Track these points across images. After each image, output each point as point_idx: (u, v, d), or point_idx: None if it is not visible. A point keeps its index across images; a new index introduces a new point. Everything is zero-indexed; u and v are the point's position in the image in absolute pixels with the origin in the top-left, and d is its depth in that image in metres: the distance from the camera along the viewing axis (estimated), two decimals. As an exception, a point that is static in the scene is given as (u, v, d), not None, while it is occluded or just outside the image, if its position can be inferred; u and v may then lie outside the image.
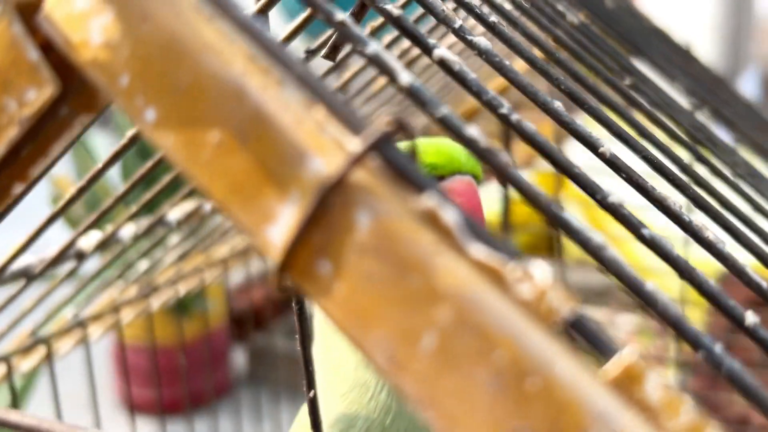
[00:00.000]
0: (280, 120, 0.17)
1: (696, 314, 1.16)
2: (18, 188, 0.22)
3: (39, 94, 0.19)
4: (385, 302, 0.16)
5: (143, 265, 0.61)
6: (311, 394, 0.31)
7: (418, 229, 0.16)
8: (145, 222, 0.50)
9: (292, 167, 0.17)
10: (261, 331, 1.68)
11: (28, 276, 0.44)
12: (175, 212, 0.50)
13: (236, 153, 0.18)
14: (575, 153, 0.41)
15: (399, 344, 0.16)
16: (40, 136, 0.20)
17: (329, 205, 0.17)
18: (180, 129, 0.18)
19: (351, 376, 0.40)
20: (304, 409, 0.44)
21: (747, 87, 2.73)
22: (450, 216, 0.16)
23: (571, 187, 1.50)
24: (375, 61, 0.21)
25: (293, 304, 0.30)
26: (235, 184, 0.18)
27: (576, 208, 1.50)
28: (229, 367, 1.63)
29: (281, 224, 0.17)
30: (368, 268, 0.17)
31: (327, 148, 0.17)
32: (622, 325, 1.16)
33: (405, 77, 0.21)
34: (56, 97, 0.19)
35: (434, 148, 0.41)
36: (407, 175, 0.17)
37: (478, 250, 0.16)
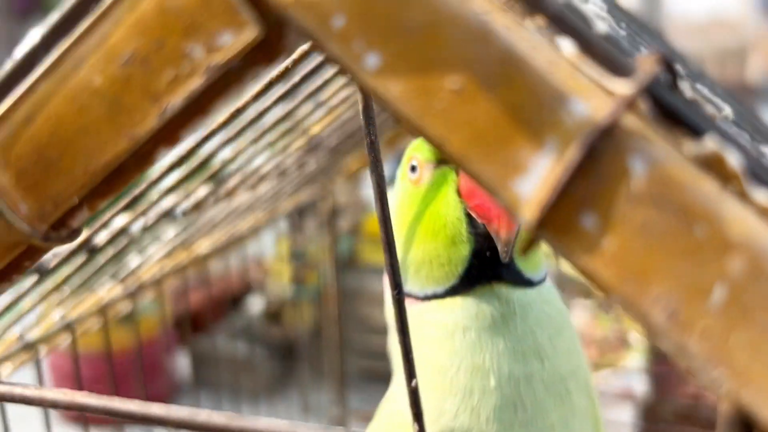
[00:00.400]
0: (533, 62, 0.16)
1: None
2: (162, 153, 0.20)
3: (236, 39, 0.17)
4: (666, 255, 0.15)
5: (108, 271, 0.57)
6: (413, 383, 0.30)
7: (700, 175, 0.15)
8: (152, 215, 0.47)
9: (549, 113, 0.16)
10: (202, 335, 1.63)
11: (41, 271, 0.40)
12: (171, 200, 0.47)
13: (480, 99, 0.16)
14: None
15: (684, 300, 0.15)
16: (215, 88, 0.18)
17: (598, 153, 0.15)
18: (410, 75, 0.16)
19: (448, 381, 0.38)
20: (384, 404, 0.43)
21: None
22: (734, 160, 0.15)
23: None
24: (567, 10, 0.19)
25: (392, 291, 0.28)
26: (477, 133, 0.16)
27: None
28: (172, 371, 1.57)
29: (534, 176, 0.16)
30: (644, 218, 0.15)
31: (588, 91, 0.16)
32: (579, 310, 1.19)
33: (601, 25, 0.20)
34: (257, 42, 0.17)
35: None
36: (682, 118, 0.16)
37: (764, 196, 0.15)
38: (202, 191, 0.47)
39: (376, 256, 1.57)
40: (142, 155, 0.19)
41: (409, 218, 0.40)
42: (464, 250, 0.37)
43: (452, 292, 0.38)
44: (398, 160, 0.44)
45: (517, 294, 0.38)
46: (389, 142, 0.81)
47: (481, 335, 0.37)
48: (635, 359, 1.11)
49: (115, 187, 0.20)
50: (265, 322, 1.65)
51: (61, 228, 0.21)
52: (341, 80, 0.43)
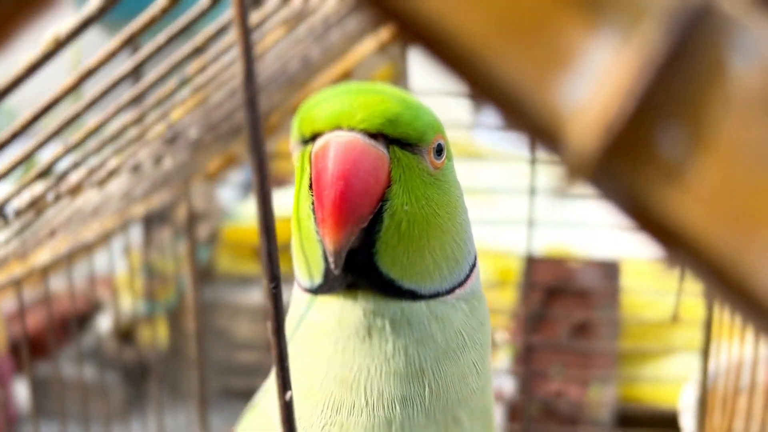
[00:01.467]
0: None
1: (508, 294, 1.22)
2: None
3: None
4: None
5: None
6: (287, 396, 0.25)
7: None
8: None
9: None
10: (43, 359, 1.49)
11: None
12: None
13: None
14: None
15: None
16: None
17: (686, 41, 0.11)
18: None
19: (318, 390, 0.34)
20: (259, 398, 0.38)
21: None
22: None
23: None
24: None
25: (269, 284, 0.24)
26: (507, 13, 0.11)
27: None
28: (7, 402, 1.42)
29: (588, 74, 0.11)
30: (756, 136, 0.11)
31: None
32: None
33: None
34: None
35: (321, 99, 0.33)
36: None
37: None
38: (39, 187, 0.40)
39: (236, 266, 1.50)
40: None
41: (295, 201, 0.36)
42: (317, 249, 0.33)
43: (321, 290, 0.34)
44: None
45: (391, 307, 0.33)
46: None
47: (348, 345, 0.33)
48: (502, 360, 1.11)
49: None
50: (115, 342, 1.53)
51: None
52: (212, 51, 0.38)
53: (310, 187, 0.32)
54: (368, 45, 0.75)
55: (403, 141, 0.33)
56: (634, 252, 1.26)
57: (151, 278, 1.48)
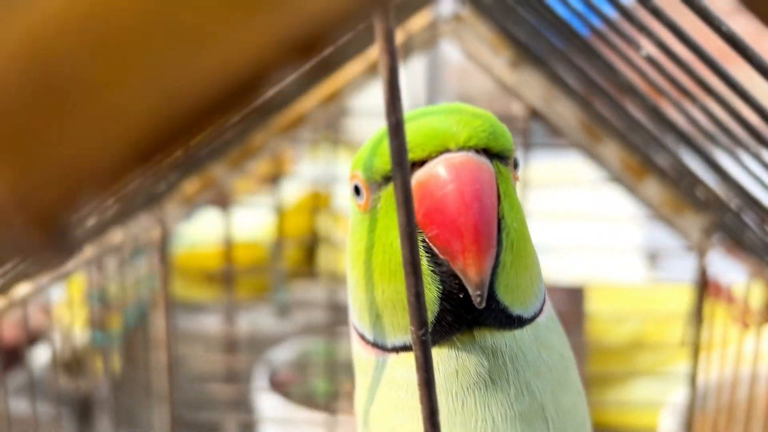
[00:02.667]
0: None
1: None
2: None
3: None
4: None
5: None
6: None
7: None
8: None
9: None
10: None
11: None
12: None
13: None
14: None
15: None
16: None
17: None
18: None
19: None
20: None
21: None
22: None
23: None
24: None
25: (416, 330, 0.21)
26: None
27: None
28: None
29: None
30: None
31: None
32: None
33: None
34: None
35: (411, 124, 0.31)
36: None
37: None
38: None
39: (188, 292, 1.44)
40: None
41: (362, 252, 0.32)
42: (430, 293, 0.30)
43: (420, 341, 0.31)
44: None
45: (507, 339, 0.30)
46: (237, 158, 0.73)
47: (468, 398, 0.29)
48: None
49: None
50: (56, 376, 1.45)
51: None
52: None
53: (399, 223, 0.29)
54: (357, 66, 0.74)
55: (500, 155, 0.31)
56: (599, 276, 1.27)
57: (99, 307, 1.41)
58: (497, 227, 0.29)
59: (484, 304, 0.28)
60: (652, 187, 0.77)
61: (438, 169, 0.29)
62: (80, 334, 1.45)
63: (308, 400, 1.16)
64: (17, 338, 1.51)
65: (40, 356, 1.51)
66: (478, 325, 0.30)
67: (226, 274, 1.09)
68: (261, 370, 1.22)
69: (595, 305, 1.21)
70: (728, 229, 0.68)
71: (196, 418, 1.19)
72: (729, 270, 0.76)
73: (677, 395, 0.92)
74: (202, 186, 0.74)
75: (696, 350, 0.75)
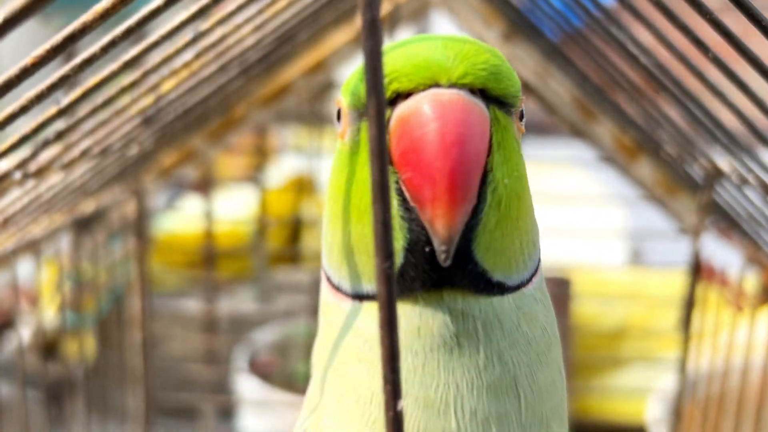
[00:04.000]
0: None
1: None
2: None
3: None
4: None
5: None
6: (398, 407, 0.20)
7: None
8: None
9: None
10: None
11: None
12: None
13: None
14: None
15: None
16: None
17: None
18: None
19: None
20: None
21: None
22: None
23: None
24: None
25: (381, 263, 0.19)
26: None
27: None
28: None
29: None
30: None
31: None
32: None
33: None
34: None
35: (402, 50, 0.27)
36: None
37: None
38: (5, 163, 0.34)
39: (169, 275, 1.41)
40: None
41: (337, 188, 0.29)
42: (396, 242, 0.26)
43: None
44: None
45: (482, 305, 0.27)
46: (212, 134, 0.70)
47: (430, 359, 0.27)
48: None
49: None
50: (34, 358, 1.42)
51: None
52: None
53: (389, 158, 0.26)
54: (343, 36, 0.71)
55: (501, 100, 0.27)
56: (585, 261, 1.25)
57: (79, 287, 1.38)
58: (482, 180, 0.26)
59: (449, 262, 0.25)
60: (645, 167, 0.75)
61: (422, 105, 0.25)
62: (53, 316, 1.42)
63: (288, 384, 1.13)
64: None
65: (21, 337, 1.47)
66: (449, 285, 0.27)
67: (207, 254, 1.06)
68: (241, 352, 1.19)
69: (581, 290, 1.19)
70: (723, 211, 0.66)
71: (174, 400, 1.16)
72: (723, 253, 0.74)
73: (666, 382, 0.90)
74: (180, 158, 0.71)
75: (687, 336, 0.73)
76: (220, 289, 1.31)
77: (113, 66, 0.29)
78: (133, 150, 0.51)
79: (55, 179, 0.42)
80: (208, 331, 1.12)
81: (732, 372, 0.71)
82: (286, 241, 1.56)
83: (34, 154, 0.33)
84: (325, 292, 0.31)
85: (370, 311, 0.28)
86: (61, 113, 0.28)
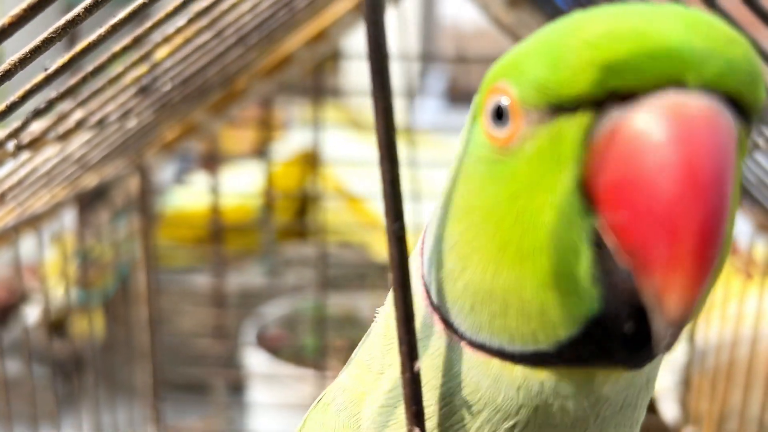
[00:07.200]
0: None
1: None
2: None
3: None
4: None
5: None
6: (416, 368, 0.19)
7: None
8: None
9: None
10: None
11: None
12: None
13: None
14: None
15: None
16: None
17: None
18: None
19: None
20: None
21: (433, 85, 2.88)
22: None
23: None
24: None
25: (391, 224, 0.18)
26: None
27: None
28: None
29: None
30: None
31: None
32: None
33: None
34: None
35: (620, 23, 0.19)
36: None
37: None
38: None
39: (176, 251, 1.41)
40: None
41: (478, 207, 0.22)
42: (579, 308, 0.20)
43: (527, 358, 0.22)
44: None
45: (620, 386, 0.22)
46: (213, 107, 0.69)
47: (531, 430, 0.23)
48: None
49: None
50: (45, 336, 1.43)
51: None
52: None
53: (584, 191, 0.20)
54: (345, 4, 0.70)
55: (747, 111, 0.20)
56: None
57: (86, 265, 1.38)
58: None
59: (665, 352, 0.20)
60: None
61: (659, 118, 0.18)
62: (63, 294, 1.42)
63: (297, 357, 1.14)
64: (6, 297, 1.48)
65: (30, 315, 1.48)
66: (606, 361, 0.21)
67: (215, 229, 1.06)
68: (250, 327, 1.20)
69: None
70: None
71: (184, 375, 1.17)
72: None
73: (675, 352, 0.89)
74: (183, 132, 0.70)
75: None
76: (228, 264, 1.31)
77: (101, 30, 0.28)
78: (132, 122, 0.50)
79: (51, 151, 0.41)
80: (217, 306, 1.12)
81: (741, 342, 0.70)
82: (293, 215, 1.56)
83: (24, 123, 0.32)
84: (424, 310, 0.25)
85: (503, 374, 0.23)
86: (49, 80, 0.28)
